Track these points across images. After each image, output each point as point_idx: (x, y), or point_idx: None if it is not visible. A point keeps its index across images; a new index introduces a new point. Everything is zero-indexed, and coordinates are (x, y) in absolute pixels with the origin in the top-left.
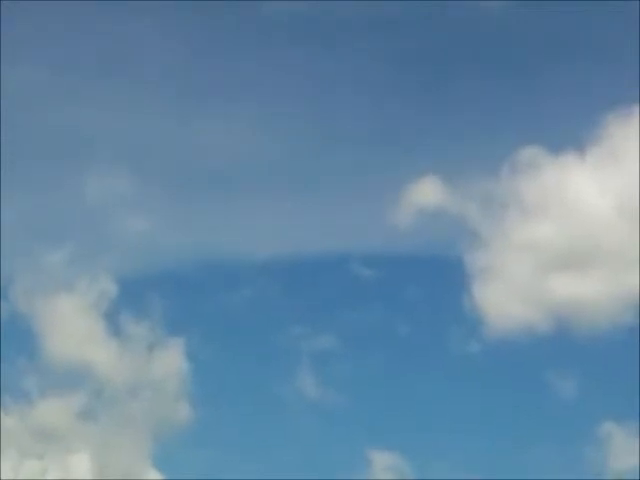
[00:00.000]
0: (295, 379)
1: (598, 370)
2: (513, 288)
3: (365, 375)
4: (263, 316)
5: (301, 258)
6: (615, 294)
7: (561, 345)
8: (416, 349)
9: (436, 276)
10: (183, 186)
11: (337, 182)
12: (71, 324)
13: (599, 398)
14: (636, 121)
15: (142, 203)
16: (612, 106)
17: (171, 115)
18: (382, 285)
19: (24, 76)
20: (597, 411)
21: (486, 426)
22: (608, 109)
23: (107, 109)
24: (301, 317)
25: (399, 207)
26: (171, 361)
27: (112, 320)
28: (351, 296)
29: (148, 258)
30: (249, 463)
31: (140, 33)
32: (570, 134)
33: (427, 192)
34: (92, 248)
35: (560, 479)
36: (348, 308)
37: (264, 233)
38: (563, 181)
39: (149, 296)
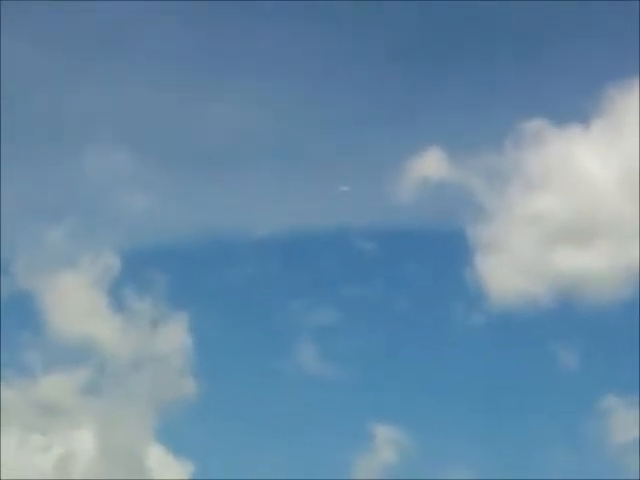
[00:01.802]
0: (296, 353)
1: (601, 343)
2: (516, 261)
3: (366, 349)
4: (264, 291)
5: (302, 233)
6: (618, 267)
7: (564, 318)
8: (418, 323)
9: (438, 249)
10: (183, 163)
11: (338, 156)
12: (74, 300)
13: (601, 371)
14: (638, 93)
15: (143, 180)
16: (616, 79)
17: (171, 93)
18: (383, 259)
19: (24, 56)
20: (599, 384)
21: (488, 399)
22: (612, 82)
23: (107, 88)
24: (302, 292)
25: (401, 180)
26: (174, 336)
27: (115, 295)
28: (352, 270)
29: (150, 234)
30: (251, 437)
31: (138, 12)
32: (574, 107)
33: (430, 165)
34: (94, 225)
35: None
36: (349, 282)
37: (265, 208)
38: (567, 154)
39: (151, 272)
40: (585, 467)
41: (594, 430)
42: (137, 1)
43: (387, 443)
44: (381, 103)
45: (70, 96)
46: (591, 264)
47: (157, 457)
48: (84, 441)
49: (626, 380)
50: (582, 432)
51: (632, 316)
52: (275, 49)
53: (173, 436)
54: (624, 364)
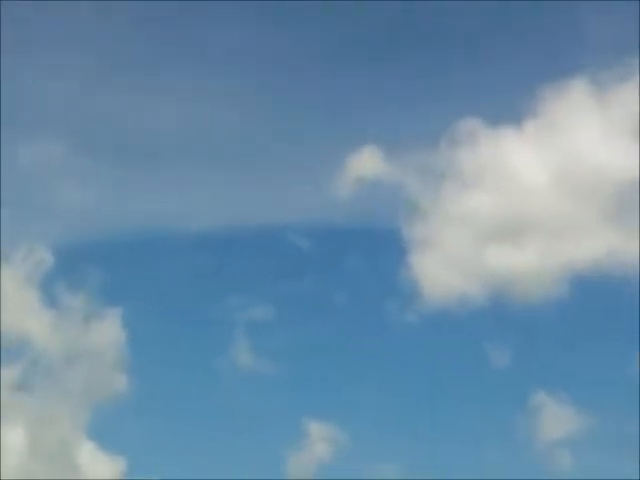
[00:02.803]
0: (231, 349)
1: (532, 341)
2: (450, 259)
3: (301, 346)
4: (199, 287)
5: (239, 229)
6: (549, 265)
7: (496, 316)
8: (353, 320)
9: (374, 247)
10: (119, 157)
11: (276, 153)
12: (5, 295)
13: (533, 368)
14: (571, 94)
15: (78, 174)
16: (549, 79)
17: (108, 85)
18: (320, 256)
19: None
20: (530, 381)
21: (422, 396)
22: (545, 82)
23: (44, 78)
24: (238, 287)
25: (338, 177)
26: (107, 332)
27: (48, 291)
28: (288, 267)
29: (84, 229)
30: (185, 433)
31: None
32: (507, 107)
33: (366, 163)
34: (27, 218)
35: (493, 447)
36: (285, 278)
37: (201, 204)
38: (501, 153)
39: (85, 267)
40: (516, 463)
41: (525, 426)
42: None
43: (321, 439)
44: (318, 100)
45: (4, 86)
46: (523, 263)
47: (88, 454)
48: (14, 438)
49: (556, 377)
50: (513, 428)
51: (563, 314)
52: (217, 46)
53: (105, 432)
54: (555, 362)
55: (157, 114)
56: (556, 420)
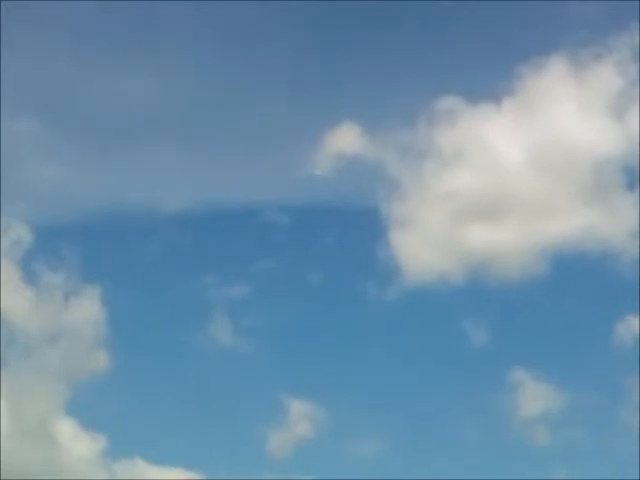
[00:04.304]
0: (209, 327)
1: (509, 318)
2: (429, 238)
3: (279, 324)
4: (177, 264)
5: (216, 206)
6: (528, 244)
7: (474, 294)
8: (331, 298)
9: (352, 225)
10: (97, 136)
11: (252, 130)
12: None
13: (510, 346)
14: (550, 72)
15: (55, 152)
16: (527, 57)
17: (80, 64)
18: (297, 234)
19: None
20: (508, 359)
21: (401, 373)
22: (524, 60)
23: (15, 56)
24: (214, 265)
25: (316, 155)
26: (86, 309)
27: (26, 268)
28: (265, 245)
29: (63, 207)
30: (163, 411)
31: None
32: (487, 85)
33: (345, 140)
34: (5, 196)
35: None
36: (262, 257)
37: (178, 182)
38: (479, 131)
39: (64, 244)
40: (494, 440)
41: (503, 403)
42: None
43: (301, 417)
44: (295, 77)
45: None
46: (501, 241)
47: (68, 431)
48: None
49: (534, 355)
50: (492, 405)
51: (541, 292)
52: (187, 23)
53: (85, 410)
54: (533, 339)
55: (133, 93)
56: (534, 397)
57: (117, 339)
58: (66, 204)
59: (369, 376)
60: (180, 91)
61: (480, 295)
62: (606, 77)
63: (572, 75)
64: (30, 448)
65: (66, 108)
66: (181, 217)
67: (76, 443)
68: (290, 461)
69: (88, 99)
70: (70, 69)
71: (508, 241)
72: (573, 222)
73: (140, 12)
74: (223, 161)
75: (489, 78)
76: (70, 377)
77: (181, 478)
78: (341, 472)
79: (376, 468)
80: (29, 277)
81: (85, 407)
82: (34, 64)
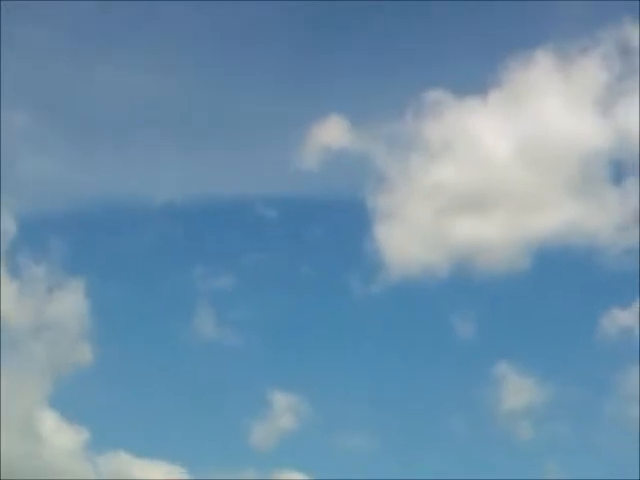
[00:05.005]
0: (195, 320)
1: (495, 312)
2: (415, 230)
3: (266, 316)
4: (163, 257)
5: (203, 199)
6: (514, 237)
7: (460, 287)
8: (317, 291)
9: (339, 217)
10: (85, 128)
11: (240, 123)
12: None
13: (495, 339)
14: (536, 65)
15: (42, 144)
16: (514, 50)
17: (74, 59)
18: (284, 227)
19: None
20: (493, 352)
21: (387, 366)
22: (510, 53)
23: (12, 51)
24: (202, 258)
25: (303, 148)
26: (70, 302)
27: (11, 261)
28: (253, 238)
29: (48, 199)
30: (147, 404)
31: None
32: (473, 77)
33: (331, 133)
34: None
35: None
36: (250, 249)
37: (166, 175)
38: (466, 125)
39: (48, 237)
40: (479, 432)
41: (488, 396)
42: None
43: (286, 410)
44: (282, 70)
45: None
46: (487, 234)
47: (51, 424)
48: None
49: (519, 348)
50: (477, 398)
51: (527, 285)
52: (180, 17)
53: (68, 403)
54: (518, 332)
55: (123, 86)
56: (519, 390)
57: (102, 332)
58: (54, 196)
59: (355, 369)
60: (170, 86)
61: (466, 288)
62: (592, 71)
63: (559, 68)
64: (13, 440)
65: (57, 101)
66: (170, 210)
67: (59, 436)
68: (275, 454)
69: (80, 92)
70: (65, 64)
71: (494, 234)
72: (559, 215)
73: (133, 9)
74: (211, 154)
75: (476, 71)
76: (54, 370)
77: (164, 471)
78: (326, 465)
79: (361, 461)
80: (13, 270)
81: (69, 400)
82: (30, 59)
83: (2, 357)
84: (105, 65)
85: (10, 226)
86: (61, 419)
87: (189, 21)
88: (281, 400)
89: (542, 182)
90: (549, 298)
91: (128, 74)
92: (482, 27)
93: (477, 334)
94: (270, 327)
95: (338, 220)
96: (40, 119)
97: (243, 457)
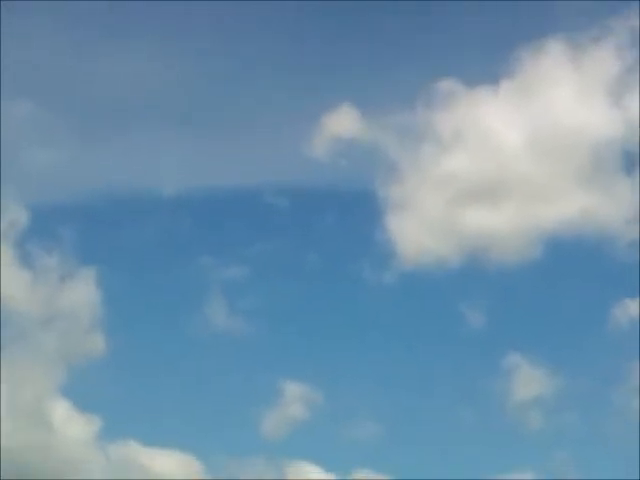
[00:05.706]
0: (206, 309)
1: (506, 302)
2: (426, 221)
3: (276, 306)
4: (174, 247)
5: (214, 189)
6: (525, 227)
7: (471, 277)
8: (328, 280)
9: (350, 207)
10: (95, 119)
11: (250, 113)
12: None
13: (506, 330)
14: (548, 55)
15: (53, 135)
16: (525, 40)
17: (78, 49)
18: (295, 216)
19: None
20: (504, 342)
21: (397, 356)
22: (521, 43)
23: (13, 40)
24: (212, 248)
25: (314, 137)
26: (82, 292)
27: (22, 250)
28: (264, 227)
29: (59, 189)
30: (158, 393)
31: None
32: (485, 67)
33: (342, 123)
34: (1, 178)
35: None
36: (261, 239)
37: (176, 164)
38: (477, 114)
39: (60, 227)
40: (488, 423)
41: (498, 386)
42: None
43: (296, 399)
44: (293, 60)
45: None
46: (499, 224)
47: (63, 413)
48: None
49: (530, 339)
50: (487, 388)
51: (538, 276)
52: (186, 6)
53: (80, 392)
54: (529, 323)
55: (131, 76)
56: (529, 381)
57: (113, 322)
58: (63, 186)
59: (365, 359)
60: (178, 75)
61: (477, 278)
62: (604, 60)
63: (570, 58)
64: (25, 429)
65: (64, 91)
66: (179, 200)
67: (71, 425)
68: (285, 443)
69: (86, 83)
70: (68, 53)
71: (505, 224)
72: (571, 206)
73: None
74: (221, 144)
75: (487, 61)
76: (66, 359)
77: (176, 460)
78: (336, 454)
79: (371, 450)
80: (25, 259)
81: (80, 389)
82: (32, 47)
83: (15, 347)
84: (110, 55)
85: (22, 216)
86: (73, 408)
87: (192, 8)
88: (292, 389)
89: (553, 172)
90: (560, 289)
91: (136, 62)
92: (493, 17)
93: (488, 324)
94: (281, 317)
95: (349, 210)
96: (49, 109)
97: (253, 446)
